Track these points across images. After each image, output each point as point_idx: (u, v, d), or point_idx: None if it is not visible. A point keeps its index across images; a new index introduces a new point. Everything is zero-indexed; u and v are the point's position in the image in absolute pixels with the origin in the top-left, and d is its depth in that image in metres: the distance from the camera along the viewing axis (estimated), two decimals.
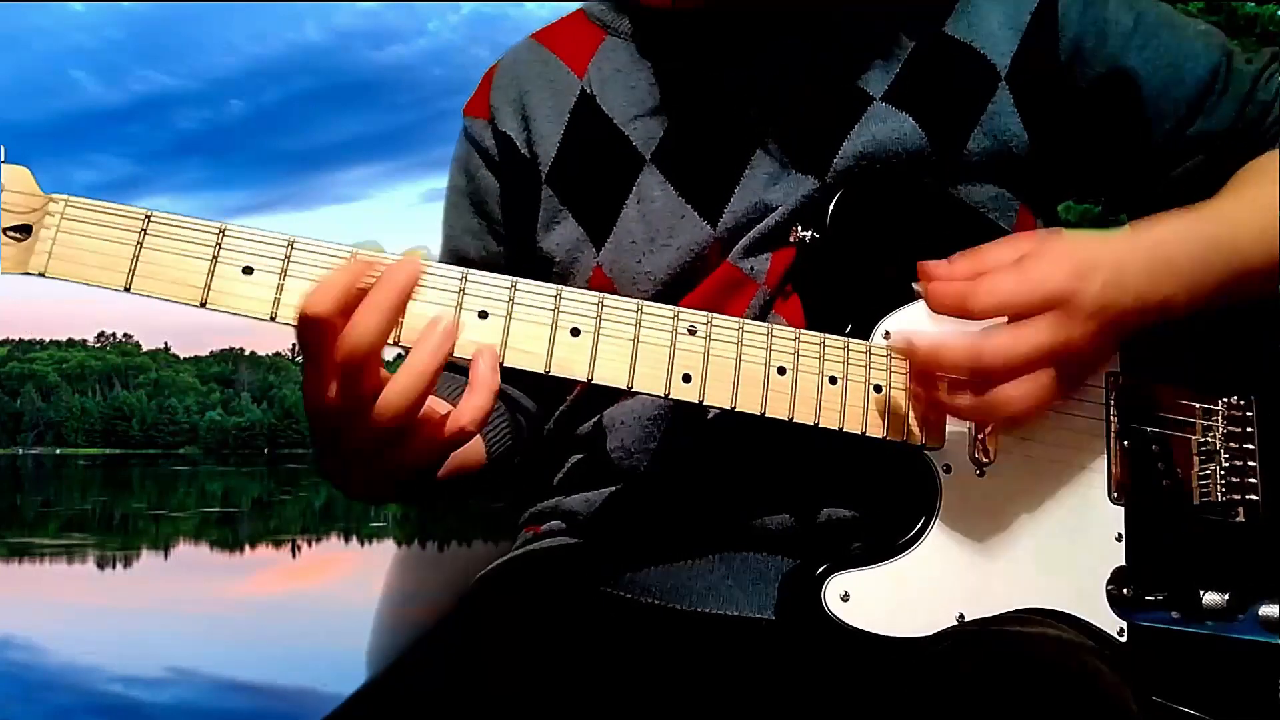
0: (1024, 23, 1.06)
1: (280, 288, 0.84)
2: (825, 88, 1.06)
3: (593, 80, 1.16)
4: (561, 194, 1.14)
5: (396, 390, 0.81)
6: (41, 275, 0.82)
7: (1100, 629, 0.94)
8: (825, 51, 1.07)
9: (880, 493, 0.97)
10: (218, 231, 0.83)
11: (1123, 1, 1.07)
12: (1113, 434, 0.99)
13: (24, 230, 0.81)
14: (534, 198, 1.16)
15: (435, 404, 0.85)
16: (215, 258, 0.83)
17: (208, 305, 0.83)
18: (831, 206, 0.97)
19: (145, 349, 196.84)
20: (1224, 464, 1.01)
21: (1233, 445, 1.02)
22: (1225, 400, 1.03)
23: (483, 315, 0.86)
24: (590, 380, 0.87)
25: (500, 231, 1.22)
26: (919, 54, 1.06)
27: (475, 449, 1.15)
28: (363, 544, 13.87)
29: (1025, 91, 1.05)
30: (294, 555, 12.67)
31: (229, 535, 15.76)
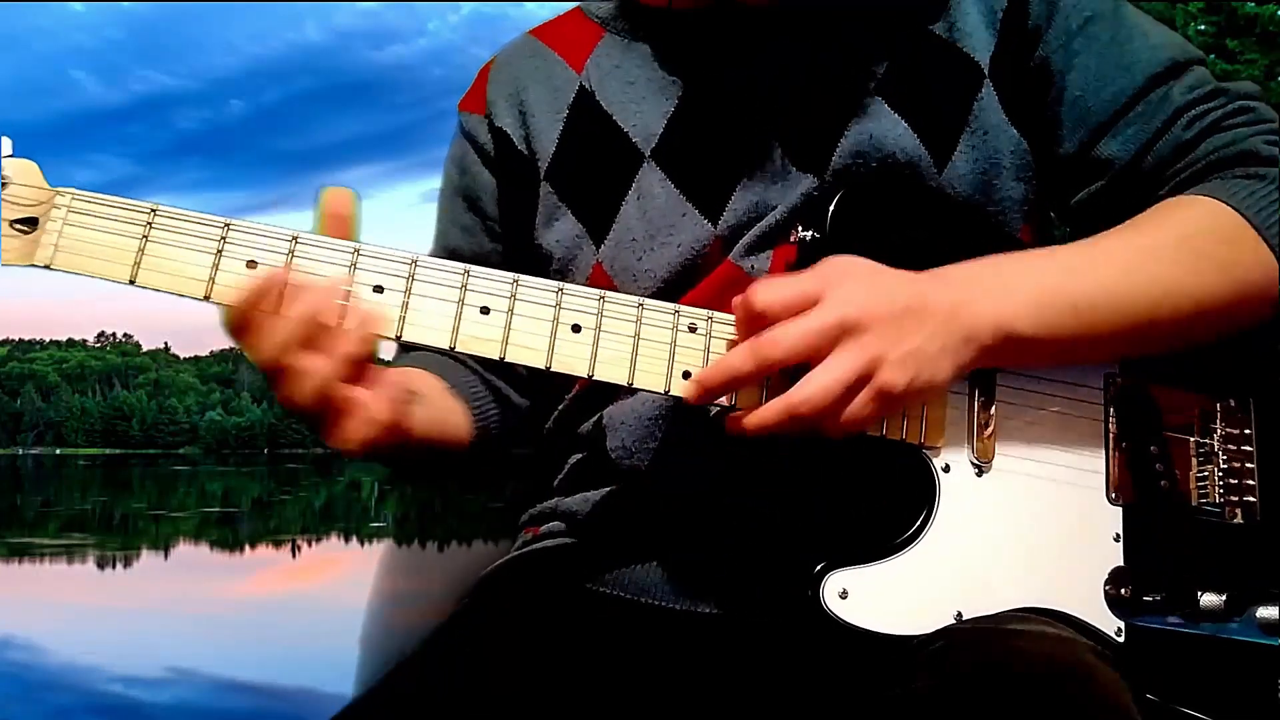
0: (999, 18, 1.05)
1: (284, 282, 0.85)
2: (823, 86, 1.06)
3: (591, 76, 1.16)
4: (560, 190, 1.14)
5: (300, 388, 0.84)
6: (47, 268, 0.83)
7: (1098, 629, 0.94)
8: (824, 51, 1.07)
9: (880, 492, 0.97)
10: (222, 226, 0.84)
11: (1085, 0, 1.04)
12: (1111, 435, 0.99)
13: (30, 223, 0.83)
14: (532, 194, 1.16)
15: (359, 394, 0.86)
16: (220, 251, 0.84)
17: (212, 299, 0.84)
18: (832, 207, 0.97)
19: (145, 349, 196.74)
20: (1222, 466, 1.02)
21: (1231, 447, 1.02)
22: (1223, 402, 1.03)
23: (484, 311, 0.87)
24: (591, 377, 0.88)
25: (494, 229, 1.21)
26: (911, 55, 1.06)
27: (461, 427, 1.15)
28: (363, 544, 13.86)
29: (1008, 87, 1.05)
30: (294, 555, 12.68)
31: (229, 535, 15.76)
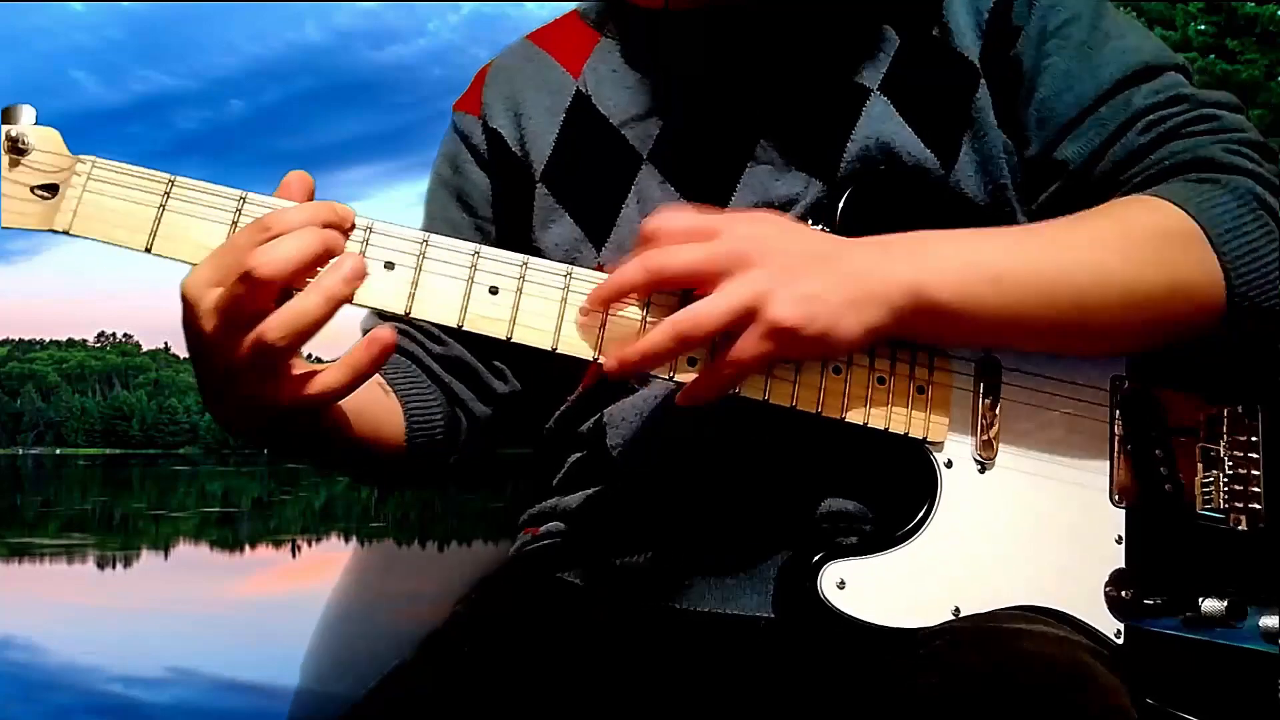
0: (984, 19, 1.05)
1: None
2: (822, 87, 1.06)
3: (588, 81, 1.16)
4: (557, 193, 1.14)
5: (277, 323, 0.81)
6: (66, 233, 0.84)
7: (1097, 630, 0.94)
8: (820, 51, 1.07)
9: (881, 486, 0.97)
10: (238, 198, 0.86)
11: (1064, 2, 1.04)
12: (1116, 437, 0.99)
13: (51, 189, 0.85)
14: (526, 196, 1.16)
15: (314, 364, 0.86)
16: (235, 223, 0.85)
17: None
18: (841, 204, 0.97)
19: (145, 349, 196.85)
20: (1227, 471, 1.01)
21: (1237, 453, 1.02)
22: (1230, 408, 1.03)
23: (493, 291, 0.88)
24: (597, 360, 0.88)
25: (484, 227, 1.21)
26: (910, 57, 1.06)
27: (390, 426, 1.11)
28: (363, 544, 13.85)
29: (996, 88, 1.04)
30: (294, 555, 12.66)
31: (229, 535, 15.73)
